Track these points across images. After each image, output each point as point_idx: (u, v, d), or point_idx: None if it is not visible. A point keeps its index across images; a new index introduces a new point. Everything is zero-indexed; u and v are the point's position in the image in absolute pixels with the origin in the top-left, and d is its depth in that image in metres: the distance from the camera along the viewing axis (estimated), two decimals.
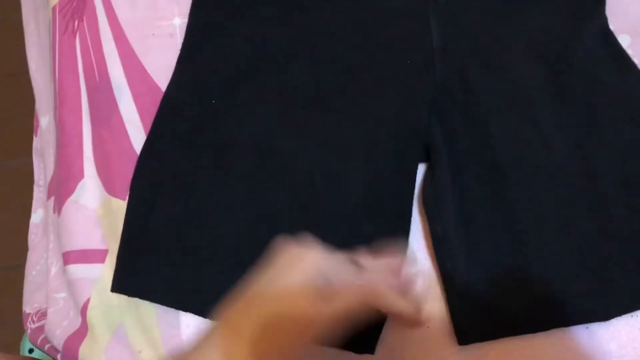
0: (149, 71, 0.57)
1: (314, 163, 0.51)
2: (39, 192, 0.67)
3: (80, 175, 0.54)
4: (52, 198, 0.58)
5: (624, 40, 0.59)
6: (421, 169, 0.53)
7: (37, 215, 0.66)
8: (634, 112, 0.54)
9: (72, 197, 0.54)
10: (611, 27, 0.58)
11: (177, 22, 0.60)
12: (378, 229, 0.49)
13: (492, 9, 0.57)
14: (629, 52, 0.57)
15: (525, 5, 0.58)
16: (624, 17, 0.60)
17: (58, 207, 0.55)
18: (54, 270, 0.55)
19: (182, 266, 0.49)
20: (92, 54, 0.58)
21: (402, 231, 0.49)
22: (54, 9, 0.62)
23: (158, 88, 0.56)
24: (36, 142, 0.70)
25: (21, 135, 0.85)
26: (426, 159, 0.52)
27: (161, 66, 0.57)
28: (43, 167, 0.65)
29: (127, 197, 0.52)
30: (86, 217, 0.53)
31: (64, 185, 0.54)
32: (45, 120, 0.65)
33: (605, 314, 0.48)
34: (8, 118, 1.07)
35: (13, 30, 0.80)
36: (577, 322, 0.48)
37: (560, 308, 0.48)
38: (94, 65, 0.58)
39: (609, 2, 0.58)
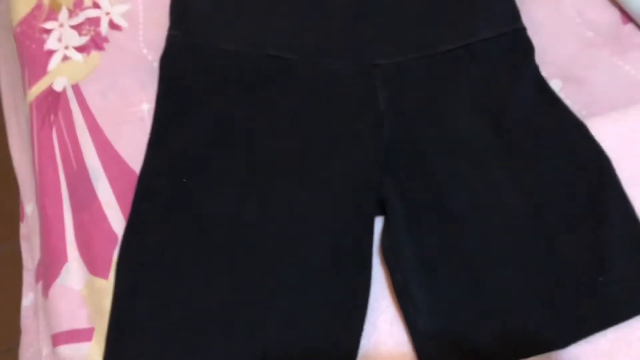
0: (122, 156, 0.61)
1: (281, 227, 0.55)
2: (28, 276, 0.70)
3: (65, 259, 0.58)
4: (41, 282, 0.62)
5: (555, 85, 0.64)
6: (379, 223, 0.57)
7: (28, 299, 0.69)
8: (571, 152, 0.58)
9: (58, 280, 0.57)
10: (543, 74, 0.63)
11: (145, 107, 0.64)
12: (344, 280, 0.53)
13: (433, 70, 0.62)
14: (561, 95, 0.62)
15: (463, 63, 0.63)
16: (554, 63, 0.66)
17: (45, 291, 0.58)
18: (45, 352, 0.58)
19: (170, 345, 0.52)
20: (68, 144, 0.62)
21: (365, 280, 0.53)
22: (31, 105, 0.66)
23: (132, 171, 0.60)
24: (23, 228, 0.73)
25: (9, 221, 0.89)
26: (382, 213, 0.56)
27: (134, 150, 0.61)
28: (31, 252, 0.68)
29: (111, 278, 0.55)
30: (72, 298, 0.56)
31: (49, 270, 0.58)
32: (30, 207, 0.69)
33: (563, 342, 0.51)
34: None
35: None
36: (537, 352, 0.51)
37: (520, 340, 0.51)
38: (71, 155, 0.62)
39: (538, 51, 0.63)
